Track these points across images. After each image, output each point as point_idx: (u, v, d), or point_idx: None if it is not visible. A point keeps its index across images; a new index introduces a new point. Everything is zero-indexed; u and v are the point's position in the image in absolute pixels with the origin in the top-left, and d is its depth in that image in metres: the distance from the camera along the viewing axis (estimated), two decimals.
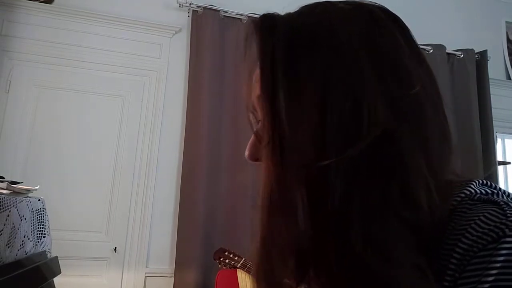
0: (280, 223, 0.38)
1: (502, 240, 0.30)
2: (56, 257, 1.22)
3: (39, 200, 1.17)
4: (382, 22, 0.40)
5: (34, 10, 2.14)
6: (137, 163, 2.16)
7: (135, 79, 2.25)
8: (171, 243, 2.12)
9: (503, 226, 0.31)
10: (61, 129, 2.09)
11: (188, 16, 2.33)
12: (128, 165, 2.15)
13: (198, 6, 2.30)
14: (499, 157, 2.85)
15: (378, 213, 0.34)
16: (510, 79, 2.95)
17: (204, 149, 2.13)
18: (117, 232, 2.08)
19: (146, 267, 2.09)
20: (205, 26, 2.28)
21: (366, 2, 0.43)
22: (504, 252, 0.30)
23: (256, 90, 0.41)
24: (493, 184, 0.39)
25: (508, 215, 0.32)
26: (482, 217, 0.33)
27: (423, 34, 2.63)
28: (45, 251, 1.17)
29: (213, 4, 2.32)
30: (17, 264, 0.96)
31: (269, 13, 0.42)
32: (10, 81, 2.06)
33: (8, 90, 2.05)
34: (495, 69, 2.87)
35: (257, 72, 0.41)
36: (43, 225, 1.17)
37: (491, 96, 2.70)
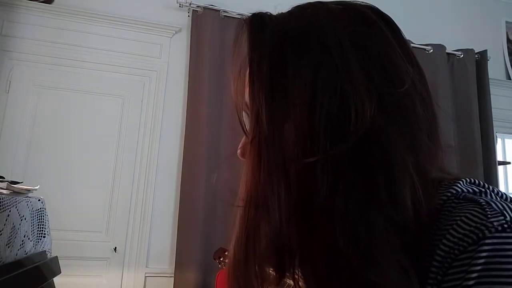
0: (258, 219, 0.38)
1: (482, 242, 0.30)
2: (56, 257, 1.22)
3: (39, 200, 1.17)
4: (372, 23, 0.40)
5: (34, 10, 2.13)
6: (137, 163, 2.16)
7: (135, 79, 2.25)
8: (171, 243, 2.12)
9: (483, 228, 0.31)
10: (61, 129, 2.09)
11: (188, 16, 2.33)
12: (128, 165, 2.15)
13: (198, 6, 2.30)
14: (499, 157, 2.85)
15: (363, 211, 0.34)
16: (510, 79, 2.95)
17: (204, 149, 2.13)
18: (117, 232, 2.08)
19: (146, 267, 2.09)
20: (205, 26, 2.28)
21: (357, 3, 0.43)
22: (484, 254, 0.30)
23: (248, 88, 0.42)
24: (481, 182, 0.39)
25: (489, 215, 0.32)
26: (463, 218, 0.33)
27: (423, 34, 2.64)
28: (45, 251, 1.17)
29: (213, 4, 2.32)
30: (17, 264, 0.95)
31: (259, 12, 0.42)
32: (10, 81, 2.06)
33: (8, 90, 2.05)
34: (495, 69, 2.87)
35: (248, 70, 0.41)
36: (43, 225, 1.17)
37: (491, 96, 2.70)
